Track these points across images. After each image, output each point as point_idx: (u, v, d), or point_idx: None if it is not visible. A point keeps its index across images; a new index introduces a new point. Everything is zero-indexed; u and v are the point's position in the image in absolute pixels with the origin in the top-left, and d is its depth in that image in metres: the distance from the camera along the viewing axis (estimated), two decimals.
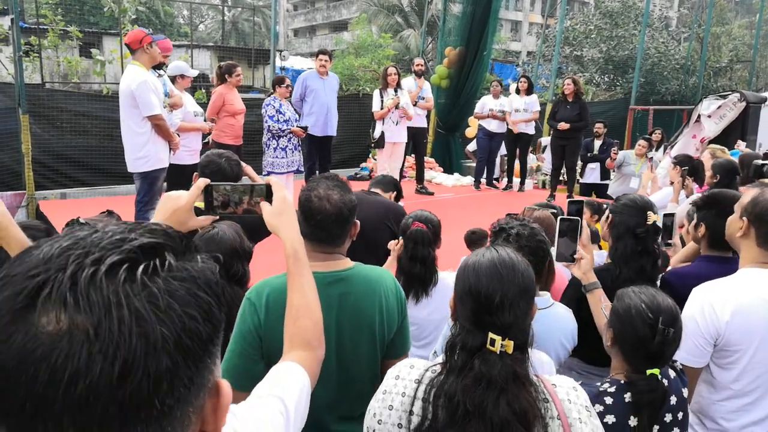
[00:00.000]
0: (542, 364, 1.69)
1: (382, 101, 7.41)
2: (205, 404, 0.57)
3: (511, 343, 1.24)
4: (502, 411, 1.19)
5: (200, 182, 1.23)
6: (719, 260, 2.30)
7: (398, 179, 7.71)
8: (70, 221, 4.97)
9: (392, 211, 3.23)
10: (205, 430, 0.58)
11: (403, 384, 1.34)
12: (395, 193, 3.57)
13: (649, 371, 1.64)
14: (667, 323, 1.65)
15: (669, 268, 2.87)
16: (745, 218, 1.93)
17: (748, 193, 1.98)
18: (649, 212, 2.23)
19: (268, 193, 1.27)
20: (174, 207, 1.21)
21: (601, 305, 2.14)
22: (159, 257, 0.53)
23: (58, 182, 8.19)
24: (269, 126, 6.52)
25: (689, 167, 5.13)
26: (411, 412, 1.30)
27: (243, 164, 2.59)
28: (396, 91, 7.40)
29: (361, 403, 1.86)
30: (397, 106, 7.38)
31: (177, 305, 0.51)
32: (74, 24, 10.34)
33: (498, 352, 1.24)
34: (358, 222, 1.85)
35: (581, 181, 9.32)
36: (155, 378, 0.49)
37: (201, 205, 1.27)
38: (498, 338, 1.24)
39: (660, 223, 2.52)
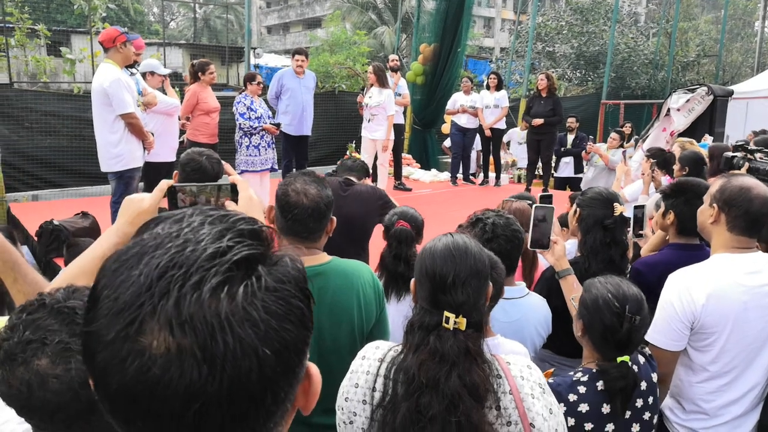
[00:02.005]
0: (516, 353, 1.73)
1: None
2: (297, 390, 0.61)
3: (464, 320, 1.32)
4: (453, 383, 1.26)
5: (163, 184, 1.21)
6: (687, 247, 2.37)
7: (384, 175, 7.81)
8: (44, 223, 4.91)
9: (374, 197, 3.26)
10: (295, 406, 0.62)
11: (368, 363, 1.42)
12: (368, 178, 3.62)
13: (619, 359, 1.70)
14: (633, 311, 1.70)
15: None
16: (715, 205, 2.00)
17: (716, 183, 2.05)
18: (615, 203, 2.30)
19: (234, 193, 1.26)
20: (137, 210, 1.20)
21: (573, 291, 2.20)
22: (254, 273, 0.54)
23: (29, 184, 8.02)
24: (240, 123, 6.46)
25: (660, 160, 5.25)
26: (374, 389, 1.37)
27: (223, 163, 2.57)
28: (362, 90, 7.44)
29: None
30: (361, 105, 7.43)
31: (275, 322, 0.53)
32: (41, 22, 10.12)
33: (452, 329, 1.31)
34: (335, 218, 1.88)
35: (556, 175, 9.46)
36: (260, 390, 0.53)
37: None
38: (452, 316, 1.32)
39: (630, 214, 2.58)
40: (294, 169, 7.44)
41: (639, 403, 1.75)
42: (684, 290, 1.95)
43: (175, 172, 2.42)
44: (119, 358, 0.50)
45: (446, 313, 1.32)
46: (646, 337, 1.99)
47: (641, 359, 1.81)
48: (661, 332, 1.97)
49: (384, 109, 7.47)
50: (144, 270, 0.52)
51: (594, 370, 1.74)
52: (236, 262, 0.54)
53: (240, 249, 0.55)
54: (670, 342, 1.97)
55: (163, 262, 0.53)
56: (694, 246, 2.36)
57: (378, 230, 2.92)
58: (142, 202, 1.21)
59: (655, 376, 1.83)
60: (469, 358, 1.29)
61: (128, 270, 0.53)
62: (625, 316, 1.69)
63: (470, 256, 1.38)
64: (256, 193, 1.58)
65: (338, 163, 3.61)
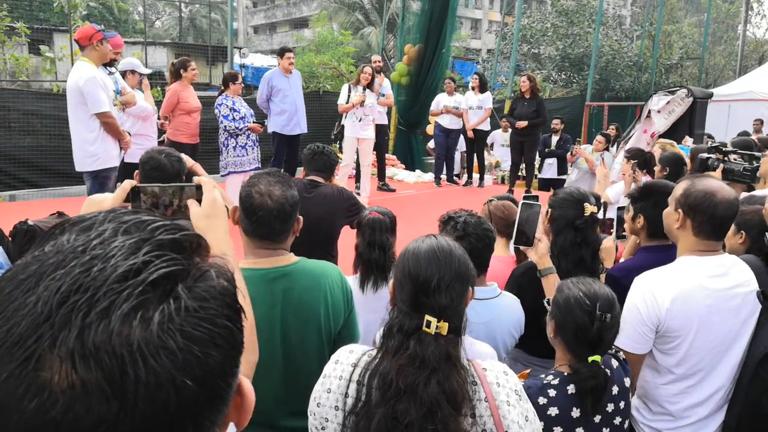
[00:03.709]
0: (484, 355, 1.72)
1: (348, 96, 7.42)
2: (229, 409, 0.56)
3: (446, 324, 1.29)
4: (432, 390, 1.23)
5: (126, 184, 1.19)
6: (660, 249, 2.35)
7: (368, 175, 7.78)
8: (18, 223, 4.82)
9: (340, 199, 3.20)
10: (227, 422, 0.57)
11: (341, 368, 1.38)
12: (334, 177, 3.49)
13: (590, 358, 1.69)
14: (604, 309, 1.70)
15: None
16: (680, 210, 1.99)
17: (679, 186, 2.04)
18: (585, 204, 2.30)
19: (199, 194, 1.24)
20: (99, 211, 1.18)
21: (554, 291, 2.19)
22: (173, 294, 0.49)
23: (7, 184, 7.91)
24: (225, 126, 6.40)
25: (640, 160, 5.29)
26: (346, 395, 1.33)
27: (192, 162, 2.52)
28: (364, 89, 7.41)
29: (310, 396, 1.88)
30: (362, 104, 7.38)
31: (196, 348, 0.48)
32: (23, 20, 9.99)
33: (433, 334, 1.28)
34: (301, 218, 1.85)
35: (539, 176, 9.49)
36: (180, 423, 0.48)
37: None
38: (434, 320, 1.29)
39: (613, 215, 2.57)
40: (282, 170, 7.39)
41: (610, 407, 1.75)
42: (649, 293, 1.94)
43: (136, 172, 2.37)
44: (16, 397, 0.44)
45: (428, 317, 1.29)
46: None
47: (614, 363, 1.80)
48: (625, 335, 1.96)
49: (373, 111, 7.57)
50: (43, 295, 0.46)
51: (565, 374, 1.73)
52: (152, 282, 0.48)
53: (158, 266, 0.49)
54: (634, 345, 1.97)
55: (65, 286, 0.46)
56: (667, 247, 2.34)
57: (349, 236, 2.88)
58: (104, 203, 1.20)
59: (627, 381, 1.82)
60: (450, 364, 1.26)
61: (23, 295, 0.47)
62: (596, 315, 1.69)
63: (455, 258, 1.36)
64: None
65: (305, 151, 3.39)
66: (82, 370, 0.44)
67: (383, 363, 1.30)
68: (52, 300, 0.45)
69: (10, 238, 4.79)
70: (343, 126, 7.44)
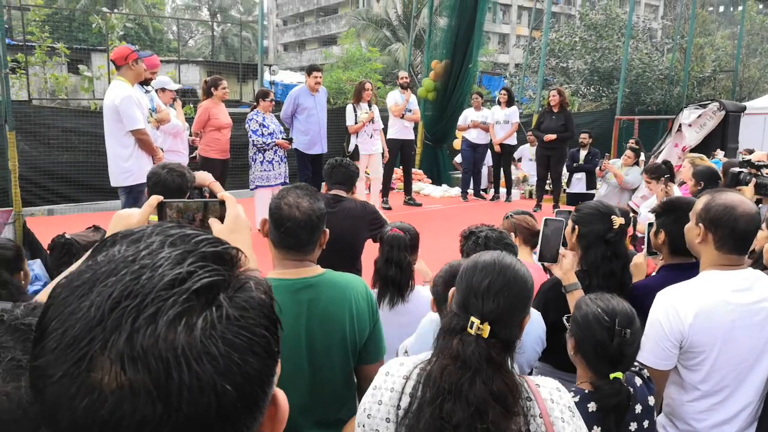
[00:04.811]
0: None
1: (355, 115, 7.51)
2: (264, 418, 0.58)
3: (488, 327, 1.30)
4: (479, 390, 1.24)
5: (152, 200, 1.21)
6: (682, 267, 2.29)
7: (386, 189, 7.86)
8: (56, 237, 5.00)
9: (363, 213, 3.23)
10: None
11: (392, 380, 1.40)
12: (356, 189, 3.52)
13: (612, 375, 1.68)
14: (623, 325, 1.69)
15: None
16: (701, 224, 1.97)
17: (700, 200, 2.02)
18: (613, 216, 2.29)
19: (222, 210, 1.26)
20: (126, 226, 1.17)
21: None
22: (215, 303, 0.51)
23: (46, 198, 8.17)
24: (254, 140, 6.56)
25: (671, 174, 5.24)
26: (398, 407, 1.35)
27: (211, 179, 2.56)
28: (369, 106, 7.52)
29: (335, 407, 1.90)
30: (372, 121, 7.50)
31: (236, 356, 0.50)
32: (63, 41, 10.40)
33: (474, 335, 1.30)
34: (328, 230, 1.90)
35: (567, 190, 9.40)
36: (220, 427, 0.50)
37: (155, 219, 1.27)
38: (476, 321, 1.31)
39: (644, 232, 2.54)
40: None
41: (633, 426, 1.72)
42: (671, 308, 1.93)
43: (147, 188, 2.42)
44: (68, 395, 0.48)
45: (472, 318, 1.32)
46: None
47: (638, 381, 1.78)
48: (649, 351, 1.94)
49: (379, 124, 7.70)
50: (96, 300, 0.49)
51: (586, 391, 1.72)
52: (196, 291, 0.51)
53: (201, 275, 0.52)
54: (658, 361, 1.94)
55: (116, 292, 0.49)
56: (689, 265, 2.28)
57: (373, 250, 2.91)
58: (131, 218, 1.20)
59: (651, 400, 1.79)
60: (492, 366, 1.28)
61: (78, 300, 0.50)
62: (616, 330, 1.68)
63: (511, 271, 1.38)
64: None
65: (325, 166, 3.45)
66: (131, 371, 0.47)
67: (433, 363, 1.33)
68: (105, 305, 0.49)
69: (48, 251, 4.98)
70: (357, 146, 7.53)
